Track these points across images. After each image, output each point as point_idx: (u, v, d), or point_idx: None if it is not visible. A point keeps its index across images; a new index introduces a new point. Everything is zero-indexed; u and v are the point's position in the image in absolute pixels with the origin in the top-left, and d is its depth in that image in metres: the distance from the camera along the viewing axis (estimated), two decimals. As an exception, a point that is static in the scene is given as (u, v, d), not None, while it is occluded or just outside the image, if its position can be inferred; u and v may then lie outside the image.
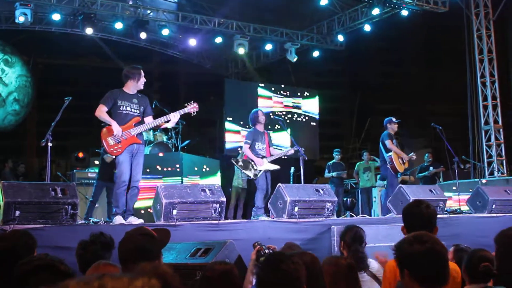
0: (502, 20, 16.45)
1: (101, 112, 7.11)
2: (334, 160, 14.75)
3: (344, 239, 5.20)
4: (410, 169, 12.07)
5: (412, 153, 10.71)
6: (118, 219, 6.87)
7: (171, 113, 7.40)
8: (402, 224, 3.88)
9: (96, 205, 10.07)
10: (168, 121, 7.40)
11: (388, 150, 10.34)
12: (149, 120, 7.31)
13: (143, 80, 7.35)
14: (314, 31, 17.23)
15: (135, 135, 7.14)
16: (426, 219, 3.81)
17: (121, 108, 7.16)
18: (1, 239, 3.66)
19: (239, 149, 13.00)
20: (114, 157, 7.25)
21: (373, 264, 4.96)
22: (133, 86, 7.30)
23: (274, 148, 9.60)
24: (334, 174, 14.37)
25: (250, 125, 9.61)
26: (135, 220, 6.91)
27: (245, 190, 13.56)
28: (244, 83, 19.39)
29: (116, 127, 7.01)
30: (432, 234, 2.99)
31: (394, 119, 10.63)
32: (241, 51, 16.14)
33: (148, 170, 10.10)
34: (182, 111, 7.59)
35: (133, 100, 7.26)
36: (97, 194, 9.63)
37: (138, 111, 7.26)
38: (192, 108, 7.67)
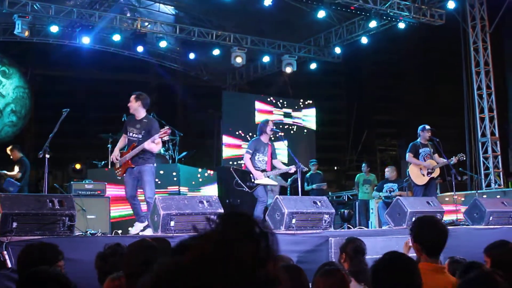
0: (499, 33, 16.50)
1: (121, 139, 8.05)
2: (311, 172, 14.53)
3: (345, 251, 5.17)
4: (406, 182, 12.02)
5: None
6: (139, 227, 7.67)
7: (144, 143, 7.56)
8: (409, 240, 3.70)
9: (93, 216, 10.05)
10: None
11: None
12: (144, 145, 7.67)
13: (132, 105, 7.77)
14: (311, 43, 17.29)
15: (129, 160, 7.64)
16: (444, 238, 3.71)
17: (129, 134, 7.84)
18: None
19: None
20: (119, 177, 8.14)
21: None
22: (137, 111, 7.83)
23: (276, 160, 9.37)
24: (314, 186, 14.27)
25: (257, 134, 9.39)
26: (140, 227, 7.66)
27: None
28: (241, 95, 19.45)
29: (113, 153, 7.94)
30: None
31: (427, 127, 10.42)
32: (239, 63, 16.17)
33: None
34: (152, 139, 7.58)
35: (136, 125, 7.75)
36: None
37: (139, 136, 7.69)
38: (162, 134, 7.60)
